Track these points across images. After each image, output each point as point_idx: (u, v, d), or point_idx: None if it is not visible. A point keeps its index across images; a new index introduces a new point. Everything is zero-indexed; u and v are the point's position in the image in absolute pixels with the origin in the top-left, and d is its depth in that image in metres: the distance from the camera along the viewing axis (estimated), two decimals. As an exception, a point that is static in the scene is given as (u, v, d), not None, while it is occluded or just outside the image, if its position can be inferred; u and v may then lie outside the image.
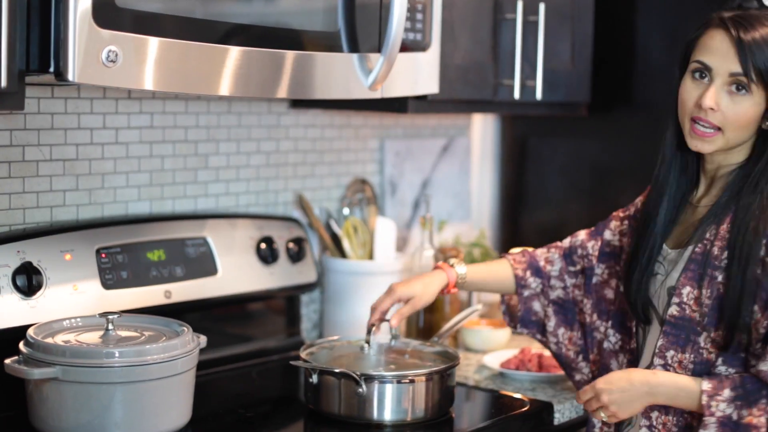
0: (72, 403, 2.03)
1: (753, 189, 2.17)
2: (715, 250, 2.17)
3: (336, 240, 2.99)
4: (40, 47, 1.85)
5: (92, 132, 2.52)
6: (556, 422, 2.50)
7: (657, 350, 2.21)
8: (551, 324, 2.52)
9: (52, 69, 1.85)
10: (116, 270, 2.44)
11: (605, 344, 2.40)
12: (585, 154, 3.33)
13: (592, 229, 2.54)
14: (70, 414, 2.04)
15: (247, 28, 2.13)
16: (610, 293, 2.45)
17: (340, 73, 2.31)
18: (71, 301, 2.33)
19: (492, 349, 2.92)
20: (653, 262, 2.27)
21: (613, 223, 2.49)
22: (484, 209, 3.60)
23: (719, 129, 2.17)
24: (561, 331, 2.51)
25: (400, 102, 2.61)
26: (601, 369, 2.41)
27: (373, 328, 2.46)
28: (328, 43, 2.28)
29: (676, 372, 2.19)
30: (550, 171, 3.44)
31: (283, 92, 2.21)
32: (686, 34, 2.27)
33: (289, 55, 2.20)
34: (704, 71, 2.18)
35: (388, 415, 2.28)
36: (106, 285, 2.41)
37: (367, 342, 2.47)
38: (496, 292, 2.63)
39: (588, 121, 3.24)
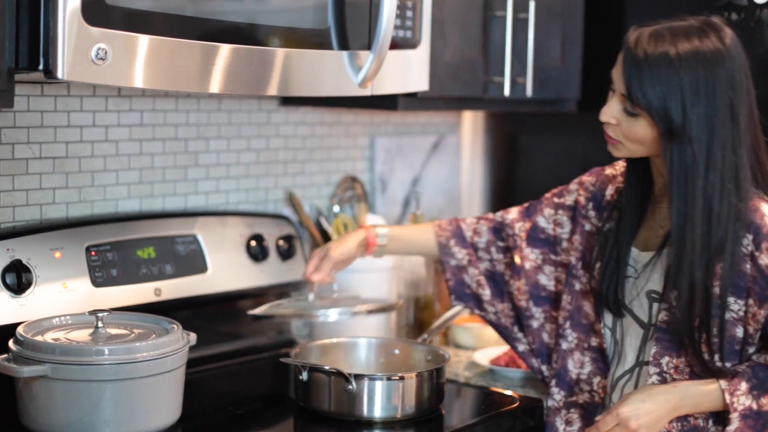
0: (62, 401, 2.03)
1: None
2: None
3: (326, 237, 2.99)
4: (30, 45, 1.85)
5: (82, 130, 2.52)
6: (546, 418, 2.50)
7: (651, 358, 2.22)
8: (487, 294, 2.53)
9: (41, 67, 1.85)
10: (106, 268, 2.44)
11: (563, 345, 2.41)
12: (575, 151, 3.33)
13: (524, 207, 2.53)
14: (60, 412, 2.04)
15: (237, 26, 2.13)
16: (543, 279, 2.48)
17: (330, 71, 2.31)
18: (61, 298, 2.33)
19: (482, 346, 2.92)
20: (624, 266, 2.27)
21: (548, 211, 2.49)
22: (474, 206, 3.60)
23: (622, 142, 2.18)
24: (496, 301, 2.53)
25: (390, 99, 2.62)
26: (560, 372, 2.41)
27: (314, 286, 2.51)
28: (318, 40, 2.28)
29: (673, 378, 2.19)
30: (540, 168, 3.44)
31: (273, 90, 2.21)
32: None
33: (279, 52, 2.20)
34: (612, 83, 2.18)
35: (378, 412, 2.28)
36: (96, 283, 2.41)
37: (313, 295, 2.51)
38: (421, 256, 2.68)
39: (578, 118, 3.24)
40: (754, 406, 2.11)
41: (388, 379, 2.29)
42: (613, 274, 2.27)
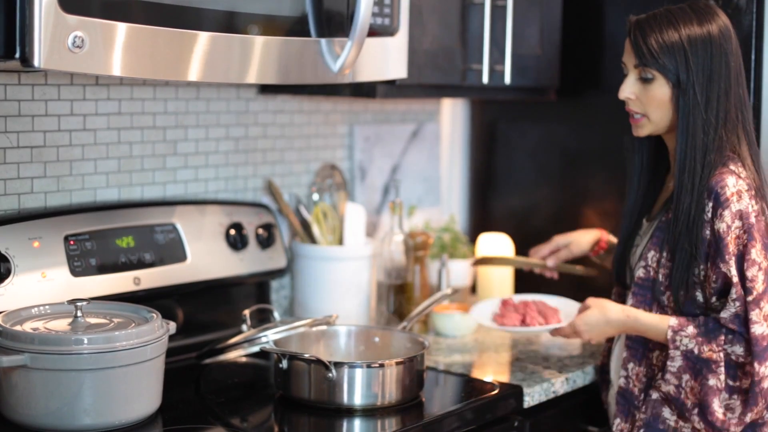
0: (41, 391, 2.03)
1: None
2: None
3: (306, 226, 2.99)
4: (6, 33, 1.84)
5: (60, 119, 2.51)
6: (525, 405, 2.51)
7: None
8: None
9: (17, 55, 1.84)
10: (85, 257, 2.43)
11: None
12: (554, 139, 3.34)
13: None
14: (40, 401, 2.04)
15: (216, 14, 2.12)
16: None
17: (309, 58, 2.31)
18: (40, 288, 2.32)
19: (462, 334, 2.93)
20: (634, 236, 2.54)
21: None
22: (453, 194, 3.60)
23: (644, 114, 2.43)
24: None
25: (368, 87, 2.61)
26: None
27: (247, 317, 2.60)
28: (296, 27, 2.28)
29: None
30: (519, 155, 3.44)
31: (251, 78, 2.21)
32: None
33: (258, 40, 2.19)
34: (624, 68, 2.47)
35: (358, 400, 2.29)
36: (75, 272, 2.40)
37: (245, 326, 2.59)
38: None
39: (556, 105, 3.24)
40: (696, 351, 2.33)
41: (368, 366, 2.29)
42: (620, 243, 2.59)
